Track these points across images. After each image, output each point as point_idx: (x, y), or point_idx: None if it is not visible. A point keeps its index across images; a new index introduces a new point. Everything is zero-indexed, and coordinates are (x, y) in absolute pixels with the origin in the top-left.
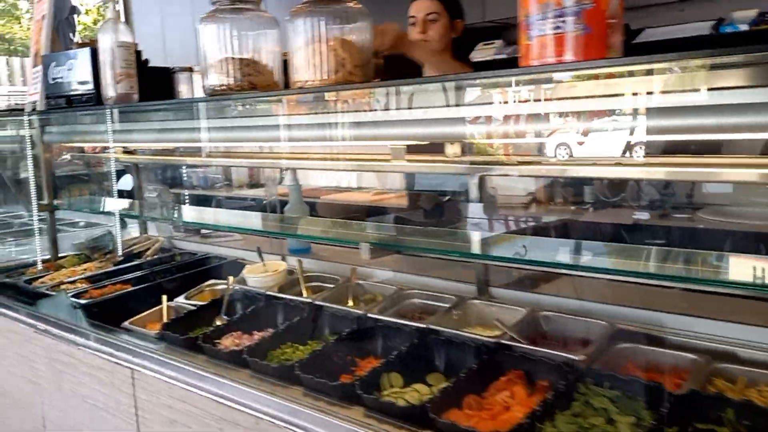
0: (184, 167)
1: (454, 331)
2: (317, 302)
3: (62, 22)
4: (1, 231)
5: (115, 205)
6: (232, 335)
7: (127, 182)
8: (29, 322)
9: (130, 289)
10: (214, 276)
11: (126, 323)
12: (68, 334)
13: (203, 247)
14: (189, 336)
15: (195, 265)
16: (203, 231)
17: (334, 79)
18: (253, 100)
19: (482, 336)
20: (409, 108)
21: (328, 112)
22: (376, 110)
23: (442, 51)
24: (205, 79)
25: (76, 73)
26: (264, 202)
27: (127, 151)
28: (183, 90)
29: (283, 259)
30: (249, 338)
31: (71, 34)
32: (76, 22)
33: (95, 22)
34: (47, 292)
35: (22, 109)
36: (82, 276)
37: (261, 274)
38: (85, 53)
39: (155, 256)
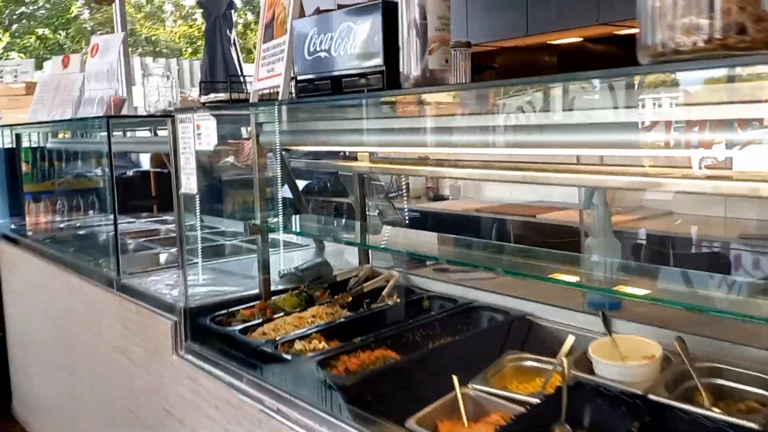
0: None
1: None
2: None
3: (219, 18)
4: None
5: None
6: None
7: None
8: (254, 394)
9: (397, 358)
10: (502, 340)
11: (411, 423)
12: (322, 427)
13: (440, 285)
14: None
15: (465, 321)
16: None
17: None
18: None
19: None
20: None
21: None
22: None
23: None
24: (651, 33)
25: (353, 44)
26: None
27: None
28: None
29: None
30: None
31: (228, 31)
32: (234, 19)
33: (245, 26)
34: (276, 353)
35: (247, 99)
36: (315, 328)
37: (624, 363)
38: (371, 12)
39: (397, 300)
